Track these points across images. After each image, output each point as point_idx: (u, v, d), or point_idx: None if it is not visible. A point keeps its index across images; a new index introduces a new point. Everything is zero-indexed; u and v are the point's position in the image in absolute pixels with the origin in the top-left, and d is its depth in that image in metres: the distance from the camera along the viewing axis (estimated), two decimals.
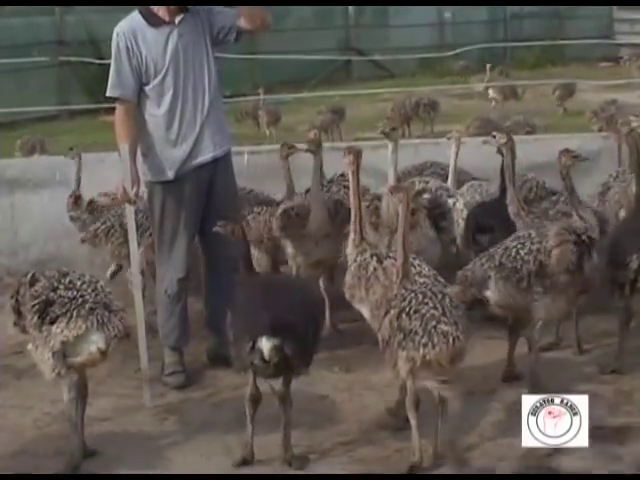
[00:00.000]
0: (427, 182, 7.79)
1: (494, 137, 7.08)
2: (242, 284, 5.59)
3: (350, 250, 6.40)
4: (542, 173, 8.00)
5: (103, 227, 7.66)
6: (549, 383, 6.14)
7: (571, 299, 6.21)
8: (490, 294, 6.18)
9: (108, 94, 6.53)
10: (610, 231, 7.02)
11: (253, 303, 5.29)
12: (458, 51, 22.02)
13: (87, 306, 5.31)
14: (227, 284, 6.38)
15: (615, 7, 28.97)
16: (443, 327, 5.14)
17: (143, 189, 6.72)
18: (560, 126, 14.22)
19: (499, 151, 7.04)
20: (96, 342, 5.29)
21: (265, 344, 5.04)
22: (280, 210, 7.41)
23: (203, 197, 6.64)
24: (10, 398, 6.50)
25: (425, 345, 5.11)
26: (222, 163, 6.68)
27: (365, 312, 6.17)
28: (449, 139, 8.26)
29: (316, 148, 7.30)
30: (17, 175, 8.64)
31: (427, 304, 5.24)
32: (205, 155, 6.58)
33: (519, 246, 6.17)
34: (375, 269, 6.13)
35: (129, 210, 6.49)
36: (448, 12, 28.44)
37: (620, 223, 7.23)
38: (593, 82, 18.09)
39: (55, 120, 18.98)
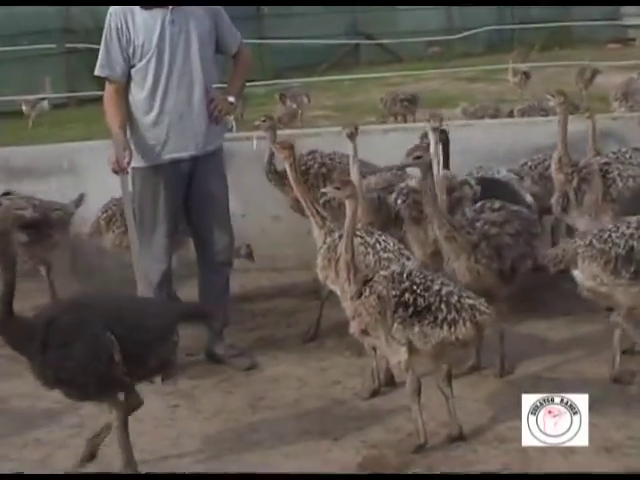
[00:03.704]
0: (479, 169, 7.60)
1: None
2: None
3: (316, 233, 6.51)
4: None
5: (104, 216, 7.64)
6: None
7: None
8: (577, 273, 6.01)
9: (96, 73, 6.49)
10: None
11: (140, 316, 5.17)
12: (466, 34, 21.94)
13: None
14: (220, 278, 6.68)
15: None
16: (469, 301, 5.14)
17: None
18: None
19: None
20: None
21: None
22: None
23: (181, 192, 6.53)
24: (21, 387, 6.48)
25: (454, 322, 5.09)
26: (205, 161, 6.51)
27: (338, 292, 6.08)
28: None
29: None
30: (25, 163, 8.62)
31: (434, 281, 5.23)
32: (182, 152, 6.44)
33: (613, 229, 5.95)
34: None
35: (123, 181, 6.38)
36: None
37: None
38: (604, 63, 17.92)
39: (63, 108, 18.89)
